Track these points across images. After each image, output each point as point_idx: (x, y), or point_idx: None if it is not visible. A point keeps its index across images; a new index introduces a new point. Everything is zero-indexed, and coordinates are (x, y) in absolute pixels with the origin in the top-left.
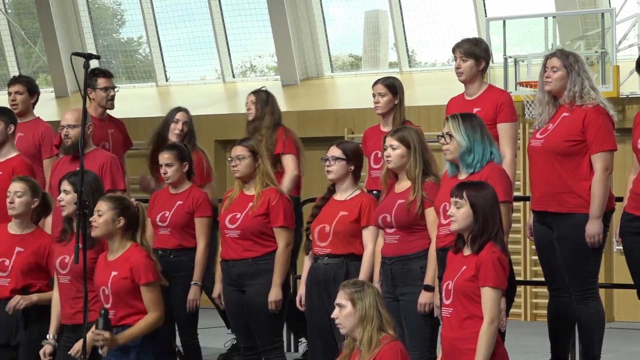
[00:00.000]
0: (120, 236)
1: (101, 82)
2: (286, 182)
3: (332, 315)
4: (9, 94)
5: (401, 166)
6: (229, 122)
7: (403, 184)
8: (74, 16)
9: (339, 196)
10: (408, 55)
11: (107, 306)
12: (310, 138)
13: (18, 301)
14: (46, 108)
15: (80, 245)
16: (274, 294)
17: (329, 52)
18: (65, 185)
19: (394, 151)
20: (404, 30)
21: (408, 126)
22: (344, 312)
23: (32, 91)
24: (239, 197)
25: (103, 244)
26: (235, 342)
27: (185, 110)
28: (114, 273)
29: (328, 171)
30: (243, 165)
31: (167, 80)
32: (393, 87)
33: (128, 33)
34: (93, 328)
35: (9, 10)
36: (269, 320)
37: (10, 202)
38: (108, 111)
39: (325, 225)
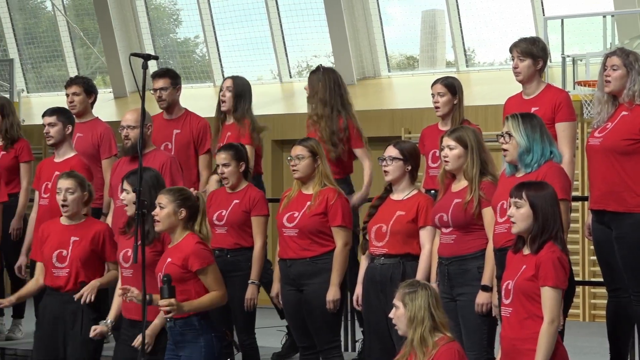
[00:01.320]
0: (182, 227)
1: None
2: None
3: (390, 316)
4: (67, 95)
5: (458, 166)
6: (286, 122)
7: (460, 184)
8: (132, 17)
9: (396, 196)
10: (465, 54)
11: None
12: (367, 138)
13: (86, 295)
14: (105, 109)
15: (140, 243)
16: (332, 293)
17: (386, 52)
18: (126, 185)
19: (451, 151)
20: (461, 30)
21: (465, 126)
22: (398, 312)
23: (90, 91)
24: (297, 196)
25: (163, 238)
26: (289, 340)
27: (232, 77)
28: (168, 259)
29: (385, 171)
30: (302, 165)
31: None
32: (452, 86)
33: (185, 33)
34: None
35: (68, 12)
36: (327, 320)
37: (64, 200)
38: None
39: (382, 225)
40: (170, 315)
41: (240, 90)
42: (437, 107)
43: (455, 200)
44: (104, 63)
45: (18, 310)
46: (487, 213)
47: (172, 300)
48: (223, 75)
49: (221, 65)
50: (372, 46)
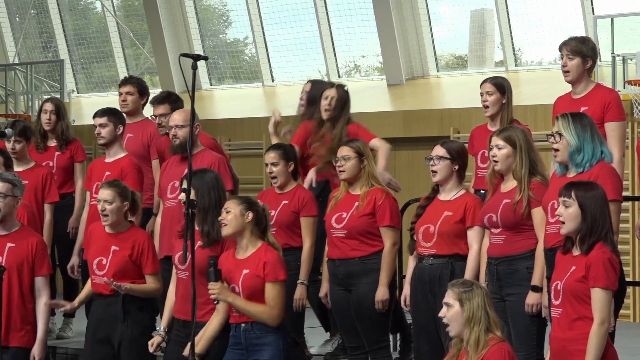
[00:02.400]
0: (250, 232)
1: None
2: None
3: (440, 315)
4: (120, 94)
5: (507, 166)
6: None
7: (509, 184)
8: (182, 17)
9: (443, 196)
10: (514, 54)
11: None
12: (415, 138)
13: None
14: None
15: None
16: (381, 293)
17: (435, 52)
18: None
19: (500, 151)
20: (510, 29)
21: (514, 125)
22: (452, 311)
23: (143, 92)
24: (345, 197)
25: (223, 244)
26: (341, 341)
27: (311, 81)
28: (245, 271)
29: (432, 171)
30: (349, 165)
31: (273, 81)
32: (501, 86)
33: (234, 34)
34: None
35: (118, 13)
36: (376, 320)
37: (102, 211)
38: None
39: (429, 226)
40: (215, 298)
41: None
42: (485, 107)
43: (504, 201)
44: (153, 63)
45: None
46: (537, 213)
47: (218, 284)
48: (272, 75)
49: (270, 65)
50: (420, 46)
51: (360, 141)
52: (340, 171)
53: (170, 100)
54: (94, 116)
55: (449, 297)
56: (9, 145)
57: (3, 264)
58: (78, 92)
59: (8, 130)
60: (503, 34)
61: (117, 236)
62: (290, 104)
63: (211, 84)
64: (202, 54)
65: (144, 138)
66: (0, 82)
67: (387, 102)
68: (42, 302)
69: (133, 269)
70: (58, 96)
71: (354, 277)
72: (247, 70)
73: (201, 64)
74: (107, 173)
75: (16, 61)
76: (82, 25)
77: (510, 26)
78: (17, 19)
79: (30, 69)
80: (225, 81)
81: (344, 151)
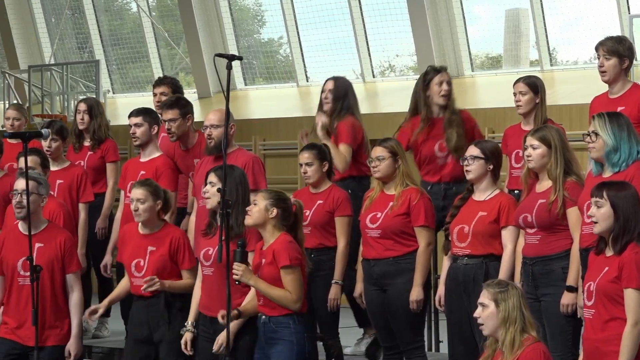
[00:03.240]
0: (272, 226)
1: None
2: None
3: (474, 315)
4: (154, 94)
5: (542, 166)
6: (368, 122)
7: (544, 184)
8: (216, 18)
9: (477, 196)
10: (549, 53)
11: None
12: None
13: (148, 285)
14: None
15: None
16: (416, 293)
17: (469, 51)
18: (212, 178)
19: (535, 151)
20: (545, 29)
21: (549, 125)
22: (487, 312)
23: (177, 92)
24: (380, 196)
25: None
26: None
27: (334, 78)
28: (264, 260)
29: (467, 170)
30: (383, 165)
31: (307, 81)
32: (534, 85)
33: (269, 34)
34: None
35: (153, 13)
36: (411, 320)
37: (135, 210)
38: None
39: (464, 226)
40: (237, 279)
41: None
42: (518, 106)
43: (539, 201)
44: (188, 64)
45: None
46: (572, 213)
47: (243, 267)
48: (306, 75)
49: (304, 65)
50: (455, 45)
51: (394, 140)
52: (375, 171)
53: (179, 105)
54: (129, 116)
55: (484, 297)
56: (45, 144)
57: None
58: (113, 93)
59: (44, 131)
60: (538, 34)
61: (152, 236)
62: None
63: (245, 84)
64: (236, 54)
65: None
66: (36, 82)
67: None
68: (74, 299)
69: (171, 267)
70: (94, 96)
71: (389, 277)
72: (281, 70)
73: (236, 64)
74: (142, 172)
75: (52, 62)
76: (118, 26)
77: (545, 25)
78: (53, 19)
79: (66, 69)
80: (259, 81)
81: (378, 151)
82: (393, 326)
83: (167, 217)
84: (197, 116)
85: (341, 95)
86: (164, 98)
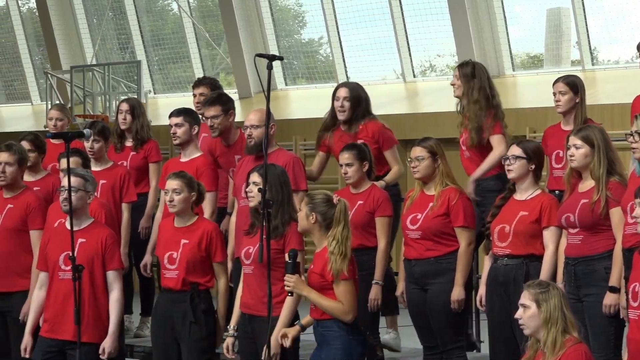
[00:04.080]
0: (318, 232)
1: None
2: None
3: (515, 316)
4: (194, 95)
5: (585, 165)
6: (409, 121)
7: (587, 184)
8: (257, 18)
9: (519, 196)
10: (591, 52)
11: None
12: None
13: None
14: None
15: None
16: (457, 293)
17: (510, 51)
18: (255, 178)
19: (578, 150)
20: (587, 28)
21: (592, 125)
22: (528, 312)
23: (216, 91)
24: (420, 197)
25: (285, 238)
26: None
27: (346, 85)
28: (311, 266)
29: (508, 170)
30: (423, 166)
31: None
32: (574, 85)
33: (309, 34)
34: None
35: (194, 14)
36: (451, 320)
37: (170, 201)
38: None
39: (505, 226)
40: (290, 290)
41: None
42: (558, 105)
43: (582, 201)
44: (229, 64)
45: (146, 308)
46: (615, 213)
47: (294, 278)
48: (347, 75)
49: (345, 65)
50: (496, 45)
51: (433, 140)
52: (414, 172)
53: (221, 101)
54: (170, 116)
55: (525, 298)
56: (87, 145)
57: (72, 253)
58: (155, 93)
59: (86, 131)
60: (579, 33)
61: (186, 229)
62: None
63: (286, 84)
64: (277, 54)
65: None
66: (78, 83)
67: None
68: (113, 296)
69: (202, 260)
70: (135, 97)
71: (429, 277)
72: (321, 70)
73: (276, 64)
74: None
75: (94, 62)
76: (159, 27)
77: (586, 25)
78: (95, 20)
79: (107, 70)
80: (300, 81)
81: (417, 152)
82: (433, 326)
83: (207, 216)
84: (238, 116)
85: (358, 100)
86: (203, 99)
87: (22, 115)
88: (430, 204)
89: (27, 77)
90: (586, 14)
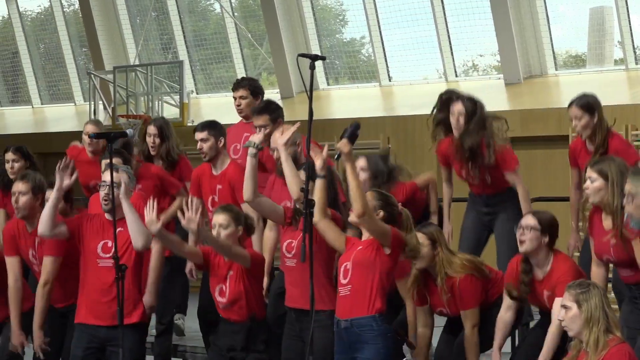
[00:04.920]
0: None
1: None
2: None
3: (558, 317)
4: (234, 98)
5: (599, 199)
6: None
7: (608, 220)
8: (299, 18)
9: (537, 274)
10: (634, 51)
11: (344, 281)
12: (533, 137)
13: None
14: None
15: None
16: None
17: (553, 50)
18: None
19: (592, 184)
20: (630, 27)
21: (609, 157)
22: (570, 313)
23: (256, 93)
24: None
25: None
26: None
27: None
28: (359, 247)
29: (520, 241)
30: (422, 252)
31: (390, 80)
32: (589, 106)
33: (351, 33)
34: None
35: (236, 14)
36: None
37: (217, 235)
38: None
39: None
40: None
41: None
42: (578, 132)
43: (611, 242)
44: (271, 64)
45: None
46: (637, 245)
47: (347, 145)
48: (389, 75)
49: (387, 65)
50: (538, 44)
51: (434, 226)
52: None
53: (269, 110)
54: (194, 131)
55: (566, 299)
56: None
57: (114, 248)
58: (197, 93)
59: (129, 131)
60: (622, 32)
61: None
62: (407, 103)
63: (328, 84)
64: (319, 53)
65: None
66: (121, 83)
67: (504, 101)
68: (152, 261)
69: (250, 291)
70: (177, 97)
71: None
72: (363, 70)
73: (318, 63)
74: (219, 187)
75: (137, 62)
76: (201, 27)
77: (630, 24)
78: (138, 21)
79: (150, 70)
80: (342, 81)
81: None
82: None
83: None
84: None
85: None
86: (243, 102)
87: (66, 116)
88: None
89: (71, 77)
90: (629, 13)
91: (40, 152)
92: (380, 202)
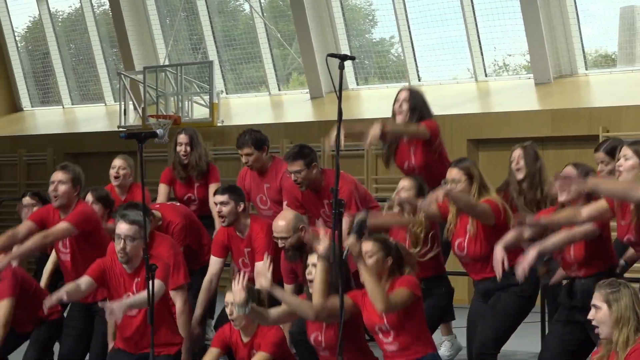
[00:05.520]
0: (387, 272)
1: None
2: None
3: (588, 317)
4: (241, 156)
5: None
6: (481, 121)
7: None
8: (328, 18)
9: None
10: None
11: (388, 340)
12: (564, 137)
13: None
14: (301, 109)
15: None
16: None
17: (583, 50)
18: None
19: (627, 161)
20: None
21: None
22: (600, 313)
23: (259, 146)
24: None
25: None
26: None
27: (408, 89)
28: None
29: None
30: (458, 189)
31: (419, 80)
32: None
33: (380, 33)
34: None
35: (265, 14)
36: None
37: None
38: None
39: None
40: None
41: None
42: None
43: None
44: (301, 64)
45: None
46: None
47: (353, 240)
48: (418, 75)
49: (416, 65)
50: (568, 44)
51: (470, 161)
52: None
53: (302, 155)
54: (214, 194)
55: (597, 299)
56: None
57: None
58: (227, 93)
59: (159, 131)
60: None
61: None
62: (436, 103)
63: (357, 84)
64: (348, 53)
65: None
66: (151, 83)
67: (534, 100)
68: (177, 311)
69: None
70: (207, 97)
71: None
72: (393, 69)
73: (347, 63)
74: (247, 250)
75: (167, 63)
76: (231, 27)
77: None
78: (168, 21)
79: (180, 70)
80: (371, 81)
81: (453, 173)
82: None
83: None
84: (310, 116)
85: (417, 105)
86: (250, 158)
87: (96, 116)
88: (468, 227)
89: (101, 78)
90: None
91: (71, 152)
92: (384, 251)
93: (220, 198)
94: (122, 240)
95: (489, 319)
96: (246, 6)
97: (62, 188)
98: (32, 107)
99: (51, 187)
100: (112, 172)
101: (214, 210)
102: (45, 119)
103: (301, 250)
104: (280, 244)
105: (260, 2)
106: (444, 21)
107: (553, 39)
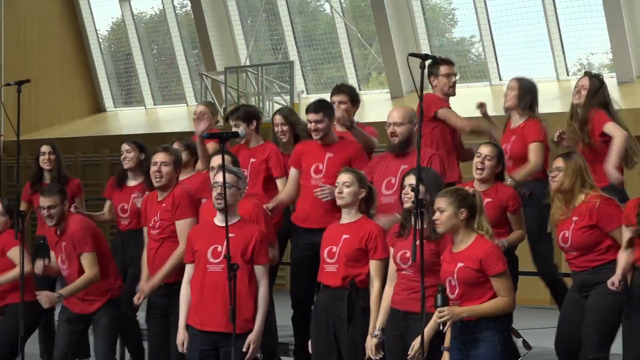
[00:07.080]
0: (464, 228)
1: (443, 69)
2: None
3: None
4: (333, 102)
5: None
6: (564, 120)
7: None
8: (409, 17)
9: None
10: None
11: (452, 297)
12: None
13: None
14: (381, 109)
15: (418, 242)
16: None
17: None
18: (411, 180)
19: None
20: None
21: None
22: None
23: (355, 100)
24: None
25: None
26: None
27: (517, 79)
28: (459, 264)
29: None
30: (561, 176)
31: (500, 80)
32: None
33: (461, 33)
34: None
35: (346, 14)
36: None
37: (339, 192)
38: None
39: None
40: (444, 321)
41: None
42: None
43: None
44: (381, 63)
45: None
46: None
47: (447, 309)
48: (499, 74)
49: (497, 64)
50: None
51: (577, 153)
52: (553, 182)
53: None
54: (307, 111)
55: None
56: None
57: (223, 253)
58: (307, 93)
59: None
60: None
61: (351, 225)
62: None
63: None
64: (429, 53)
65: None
66: (232, 83)
67: (617, 99)
68: (261, 293)
69: (361, 258)
70: (288, 97)
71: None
72: (474, 69)
73: (428, 63)
74: (329, 155)
75: (248, 63)
76: (311, 27)
77: None
78: (249, 22)
79: (261, 70)
80: None
81: (559, 162)
82: (583, 330)
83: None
84: (385, 116)
85: (525, 94)
86: (342, 106)
87: (178, 116)
88: (575, 218)
89: (183, 78)
90: None
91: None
92: (457, 202)
93: (315, 117)
94: (220, 187)
95: (589, 323)
96: (326, 6)
97: (166, 169)
98: (115, 107)
99: (154, 168)
100: (194, 116)
101: None
102: (127, 120)
103: (402, 146)
104: (391, 129)
105: (340, 2)
106: (525, 20)
107: (636, 37)
